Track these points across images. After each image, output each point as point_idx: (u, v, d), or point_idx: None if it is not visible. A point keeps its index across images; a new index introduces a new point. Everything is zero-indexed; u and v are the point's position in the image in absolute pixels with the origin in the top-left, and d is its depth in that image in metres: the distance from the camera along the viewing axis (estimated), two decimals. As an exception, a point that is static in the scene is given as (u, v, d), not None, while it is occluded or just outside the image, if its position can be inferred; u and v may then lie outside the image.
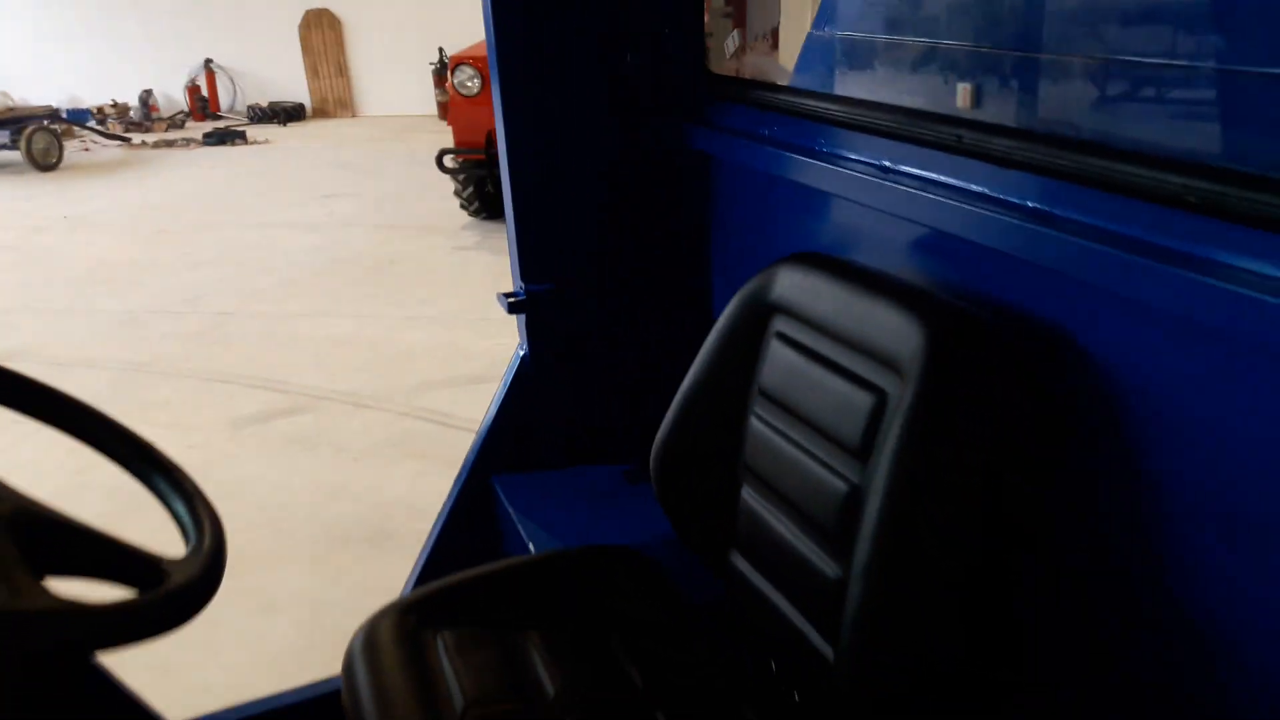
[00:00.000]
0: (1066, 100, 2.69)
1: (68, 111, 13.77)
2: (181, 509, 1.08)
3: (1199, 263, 1.01)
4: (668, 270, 2.14)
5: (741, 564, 1.43)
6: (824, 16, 3.74)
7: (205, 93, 14.98)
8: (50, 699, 0.97)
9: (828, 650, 1.22)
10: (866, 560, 1.13)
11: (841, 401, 1.24)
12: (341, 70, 14.80)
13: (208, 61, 14.91)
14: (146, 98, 14.63)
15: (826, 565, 1.24)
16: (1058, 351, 1.20)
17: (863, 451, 1.20)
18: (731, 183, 1.99)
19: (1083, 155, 1.18)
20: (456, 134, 7.61)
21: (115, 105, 14.55)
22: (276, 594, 3.16)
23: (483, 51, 7.57)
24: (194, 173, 10.99)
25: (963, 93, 2.91)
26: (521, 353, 2.17)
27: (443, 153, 7.58)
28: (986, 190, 1.30)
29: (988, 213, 1.24)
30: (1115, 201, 1.12)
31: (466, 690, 1.34)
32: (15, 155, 11.09)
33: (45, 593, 0.83)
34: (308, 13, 14.51)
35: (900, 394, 1.15)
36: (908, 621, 1.14)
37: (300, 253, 7.44)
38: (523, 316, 2.10)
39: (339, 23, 14.57)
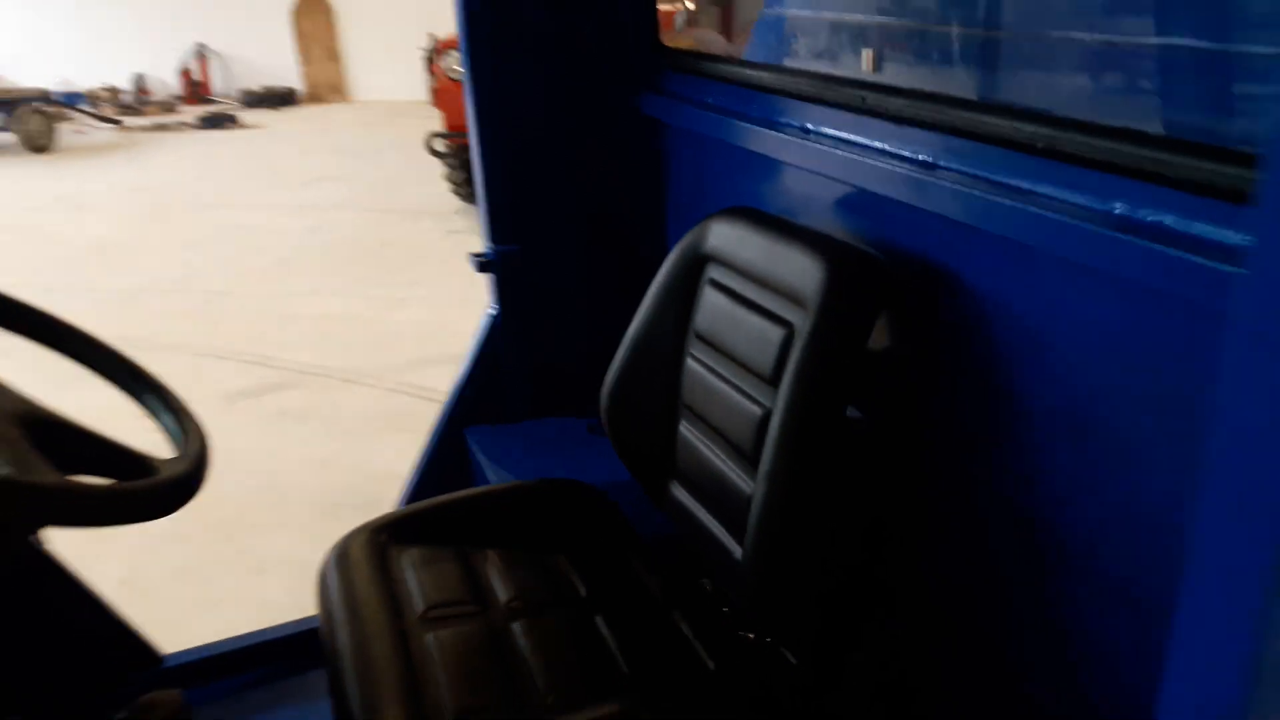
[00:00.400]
0: (951, 66, 3.21)
1: (62, 94, 13.80)
2: (169, 421, 1.21)
3: (1041, 198, 1.16)
4: (626, 229, 2.28)
5: (681, 494, 1.57)
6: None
7: (197, 77, 15.02)
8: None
9: (739, 553, 1.36)
10: (768, 470, 1.28)
11: (759, 336, 1.38)
12: (333, 55, 14.86)
13: (200, 46, 14.95)
14: (139, 81, 14.69)
15: (744, 483, 1.38)
16: (941, 283, 1.34)
17: (774, 379, 1.34)
18: (680, 147, 2.13)
19: (963, 111, 1.33)
20: (446, 118, 7.71)
21: (108, 89, 14.59)
22: (267, 556, 3.30)
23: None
24: (187, 156, 11.06)
25: (867, 58, 3.26)
26: (491, 312, 2.31)
27: (432, 136, 7.68)
28: (884, 145, 1.44)
29: (885, 165, 1.38)
30: (988, 151, 1.26)
31: (428, 595, 1.49)
32: (9, 137, 11.17)
33: (57, 473, 0.97)
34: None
35: (803, 325, 1.29)
36: (802, 524, 1.28)
37: (293, 234, 7.55)
38: (493, 276, 2.25)
39: (330, 8, 14.63)
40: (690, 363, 1.56)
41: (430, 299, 6.00)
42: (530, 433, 2.32)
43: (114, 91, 14.59)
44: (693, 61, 2.09)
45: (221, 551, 3.36)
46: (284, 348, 5.19)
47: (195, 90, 14.95)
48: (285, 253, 7.06)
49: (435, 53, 7.90)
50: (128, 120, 13.44)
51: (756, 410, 1.36)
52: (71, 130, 12.62)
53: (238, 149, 11.48)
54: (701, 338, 1.54)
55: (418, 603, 1.49)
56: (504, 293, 2.28)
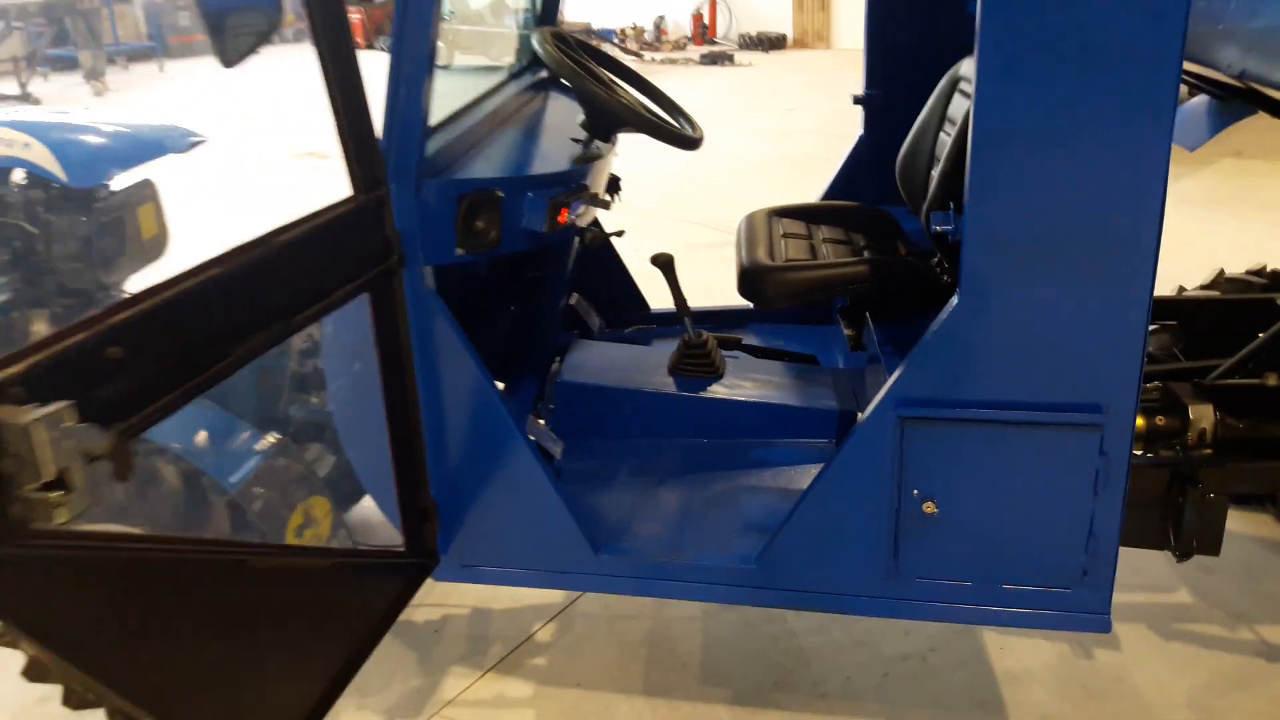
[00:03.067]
0: None
1: (598, 30, 16.65)
2: (685, 121, 2.54)
3: None
4: None
5: None
6: None
7: (706, 20, 17.20)
8: None
9: None
10: None
11: None
12: (824, 5, 16.24)
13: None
14: (659, 22, 17.17)
15: None
16: None
17: None
18: None
19: None
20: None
21: (634, 27, 17.24)
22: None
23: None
24: (689, 84, 13.10)
25: None
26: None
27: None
28: None
29: None
30: None
31: None
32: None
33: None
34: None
35: None
36: None
37: (759, 149, 9.04)
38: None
39: (829, -38, 16.00)
40: None
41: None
42: None
43: (639, 29, 17.20)
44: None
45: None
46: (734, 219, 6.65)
47: (703, 32, 17.15)
48: (753, 161, 8.57)
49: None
50: (645, 55, 15.91)
51: None
52: (603, 59, 15.28)
53: (729, 82, 13.34)
54: None
55: None
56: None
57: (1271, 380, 2.34)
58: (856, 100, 3.29)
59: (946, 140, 2.39)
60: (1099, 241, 1.69)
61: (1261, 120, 2.92)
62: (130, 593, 1.40)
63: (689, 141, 2.54)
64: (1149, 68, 1.59)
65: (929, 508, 1.88)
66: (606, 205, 2.53)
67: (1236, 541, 3.01)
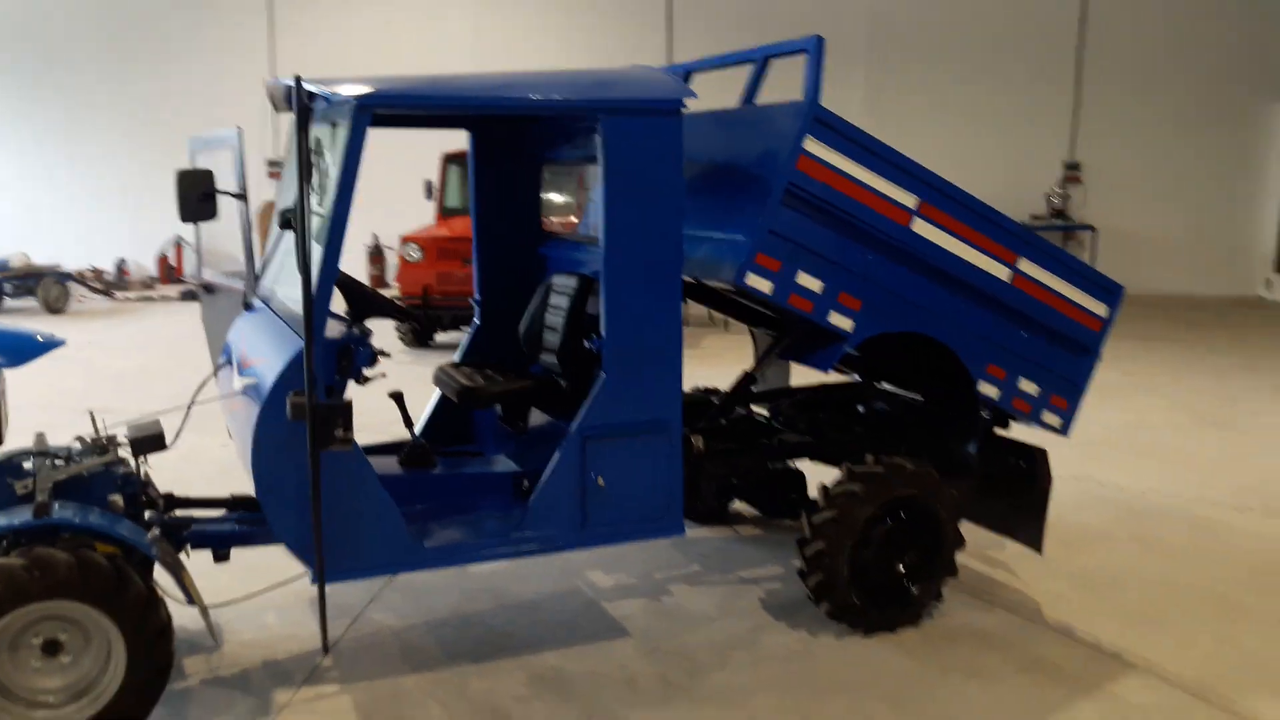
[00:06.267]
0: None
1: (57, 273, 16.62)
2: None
3: None
4: None
5: None
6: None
7: (173, 262, 18.01)
8: None
9: None
10: None
11: None
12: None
13: (178, 238, 18.03)
14: (120, 264, 17.58)
15: None
16: None
17: None
18: None
19: None
20: (401, 288, 10.90)
21: (93, 269, 17.42)
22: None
23: (424, 233, 10.99)
24: (174, 320, 13.90)
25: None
26: None
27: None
28: None
29: None
30: None
31: None
32: (28, 303, 14.03)
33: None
34: (266, 203, 17.87)
35: None
36: None
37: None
38: None
39: (291, 210, 17.95)
40: None
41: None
42: None
43: (98, 272, 17.40)
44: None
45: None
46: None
47: (169, 272, 17.88)
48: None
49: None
50: (118, 293, 16.27)
51: None
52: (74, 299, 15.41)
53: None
54: None
55: None
56: None
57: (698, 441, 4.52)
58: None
59: (553, 317, 4.39)
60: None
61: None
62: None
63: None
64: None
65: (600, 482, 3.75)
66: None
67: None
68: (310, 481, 3.30)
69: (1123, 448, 7.33)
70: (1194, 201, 17.18)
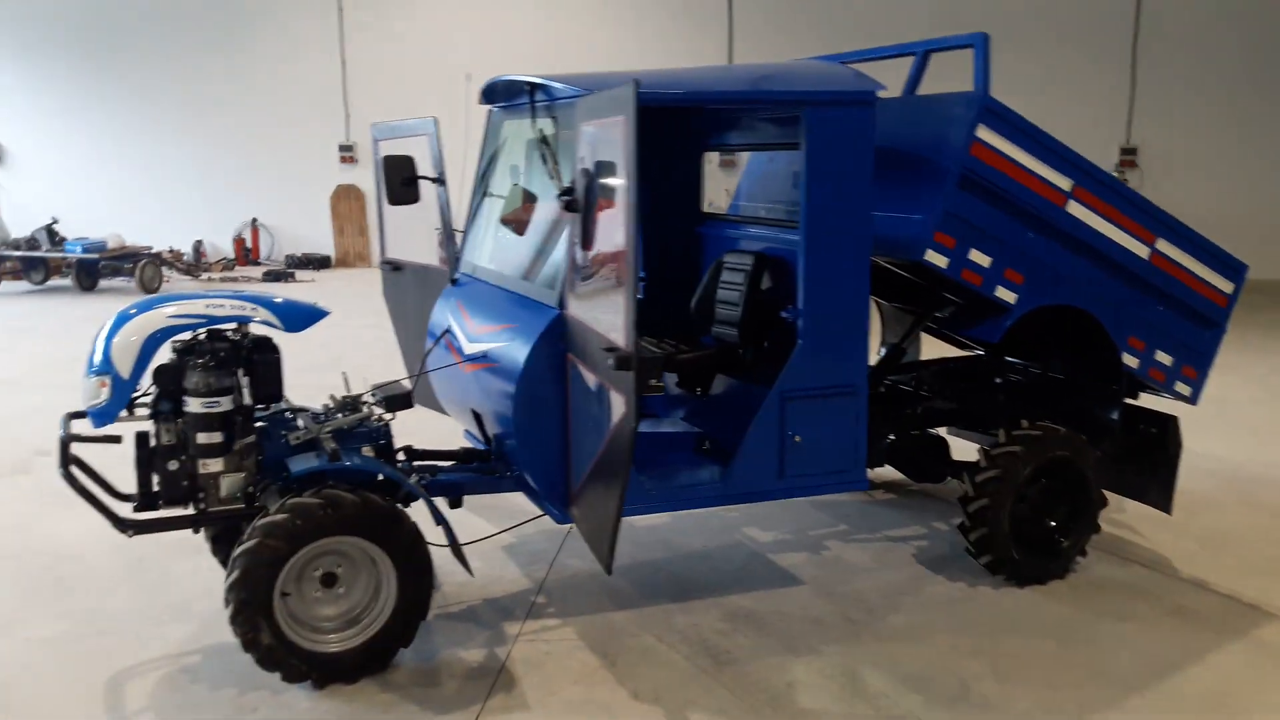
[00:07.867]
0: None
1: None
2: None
3: None
4: None
5: None
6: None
7: (249, 244, 18.57)
8: None
9: None
10: None
11: None
12: (362, 231, 18.57)
13: (254, 220, 18.58)
14: (198, 246, 18.16)
15: None
16: None
17: None
18: None
19: None
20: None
21: (171, 251, 17.98)
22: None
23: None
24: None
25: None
26: None
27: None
28: None
29: None
30: None
31: None
32: (121, 281, 14.67)
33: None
34: (339, 187, 18.38)
35: None
36: None
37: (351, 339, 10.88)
38: None
39: (363, 195, 18.44)
40: None
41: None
42: None
43: (177, 253, 17.96)
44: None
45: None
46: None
47: (246, 254, 18.44)
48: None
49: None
50: (202, 273, 16.89)
51: None
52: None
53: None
54: None
55: None
56: None
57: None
58: None
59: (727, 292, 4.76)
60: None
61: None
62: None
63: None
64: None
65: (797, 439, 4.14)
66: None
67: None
68: (626, 428, 3.28)
69: (1212, 423, 7.64)
70: (1251, 184, 17.29)
